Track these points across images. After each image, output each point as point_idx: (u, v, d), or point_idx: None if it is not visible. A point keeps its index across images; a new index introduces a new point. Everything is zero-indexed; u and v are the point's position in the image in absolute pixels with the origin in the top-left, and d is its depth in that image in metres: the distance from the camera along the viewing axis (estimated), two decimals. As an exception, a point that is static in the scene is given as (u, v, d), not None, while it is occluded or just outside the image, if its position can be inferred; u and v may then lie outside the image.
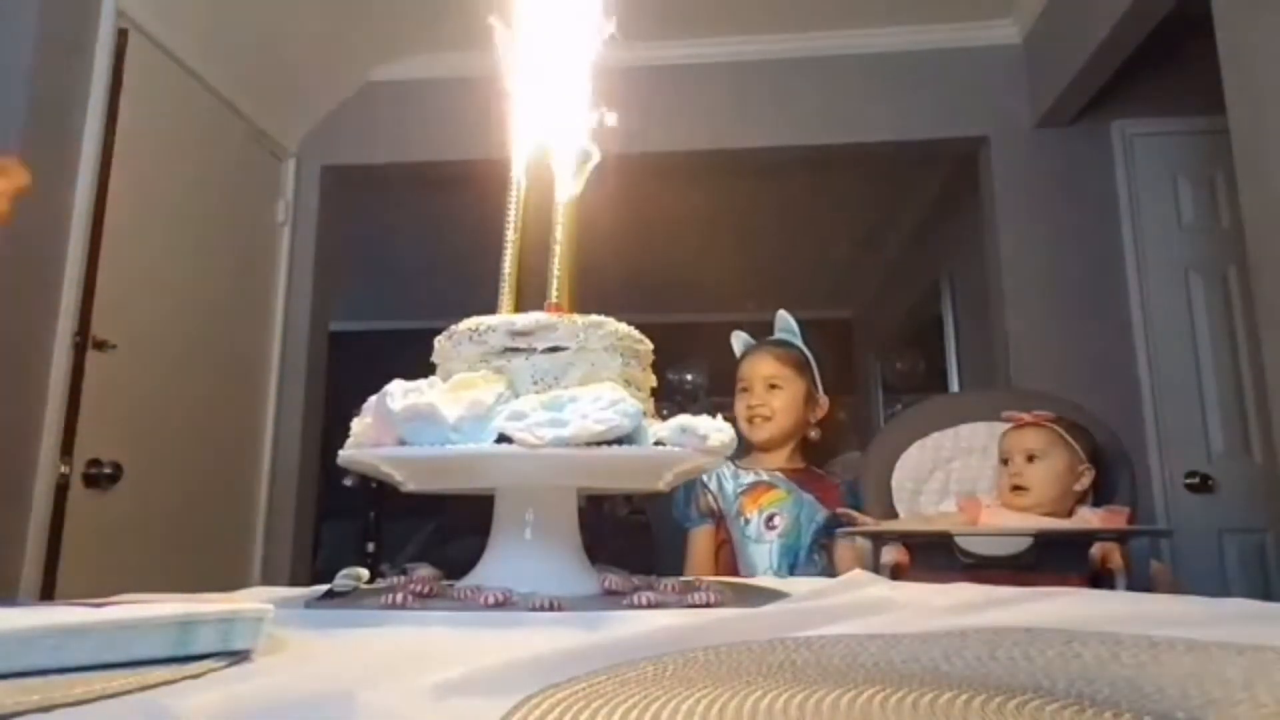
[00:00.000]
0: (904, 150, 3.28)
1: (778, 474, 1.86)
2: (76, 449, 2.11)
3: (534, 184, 0.94)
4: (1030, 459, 1.63)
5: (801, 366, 1.92)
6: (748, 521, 1.82)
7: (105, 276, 2.20)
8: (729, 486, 1.86)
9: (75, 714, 0.38)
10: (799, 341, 1.95)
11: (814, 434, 1.92)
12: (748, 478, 1.86)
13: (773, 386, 1.89)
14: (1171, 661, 0.45)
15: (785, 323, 1.98)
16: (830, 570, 1.76)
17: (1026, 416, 1.68)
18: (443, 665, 0.44)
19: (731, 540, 1.85)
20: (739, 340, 2.01)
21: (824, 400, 1.93)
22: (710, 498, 1.87)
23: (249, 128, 2.93)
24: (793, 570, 1.76)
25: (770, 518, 1.81)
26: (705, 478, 1.86)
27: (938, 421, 1.92)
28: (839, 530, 1.74)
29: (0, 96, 1.98)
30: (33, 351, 2.03)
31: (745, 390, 1.92)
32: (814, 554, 1.79)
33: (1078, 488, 1.64)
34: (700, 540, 1.87)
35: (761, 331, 2.02)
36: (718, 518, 1.87)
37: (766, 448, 1.89)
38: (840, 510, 1.71)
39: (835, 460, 2.02)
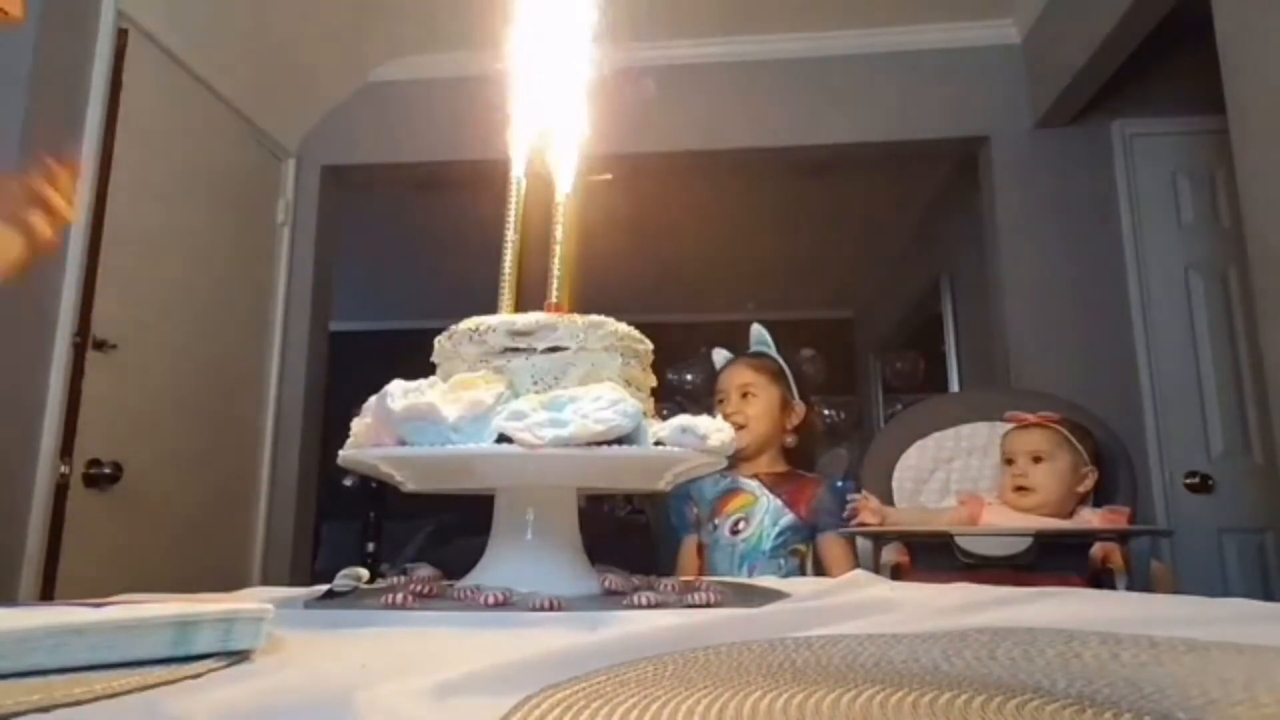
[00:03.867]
0: (904, 150, 3.28)
1: (754, 480, 1.88)
2: (76, 449, 2.11)
3: (534, 184, 0.94)
4: (1036, 460, 1.63)
5: (775, 375, 1.95)
6: (716, 526, 1.86)
7: (105, 276, 2.20)
8: (708, 494, 1.89)
9: (75, 714, 0.38)
10: (773, 352, 1.99)
11: (790, 440, 1.93)
12: (725, 483, 1.89)
13: (746, 394, 1.92)
14: (1171, 661, 0.45)
15: (759, 335, 2.03)
16: (799, 574, 1.77)
17: (1031, 417, 1.68)
18: (443, 665, 0.44)
19: (704, 544, 1.88)
20: (719, 356, 2.05)
21: (800, 407, 1.95)
22: (694, 507, 1.91)
23: (249, 128, 2.92)
24: (752, 573, 1.77)
25: (736, 523, 1.84)
26: (691, 487, 1.88)
27: (938, 421, 1.92)
28: (840, 529, 1.74)
29: (1, 97, 1.98)
30: (33, 351, 2.03)
31: (722, 401, 1.94)
32: (780, 558, 1.80)
33: (1081, 489, 1.64)
34: (688, 548, 1.91)
35: (759, 328, 2.04)
36: (699, 525, 1.91)
37: (745, 455, 1.90)
38: (851, 496, 1.72)
39: (824, 458, 2.05)
